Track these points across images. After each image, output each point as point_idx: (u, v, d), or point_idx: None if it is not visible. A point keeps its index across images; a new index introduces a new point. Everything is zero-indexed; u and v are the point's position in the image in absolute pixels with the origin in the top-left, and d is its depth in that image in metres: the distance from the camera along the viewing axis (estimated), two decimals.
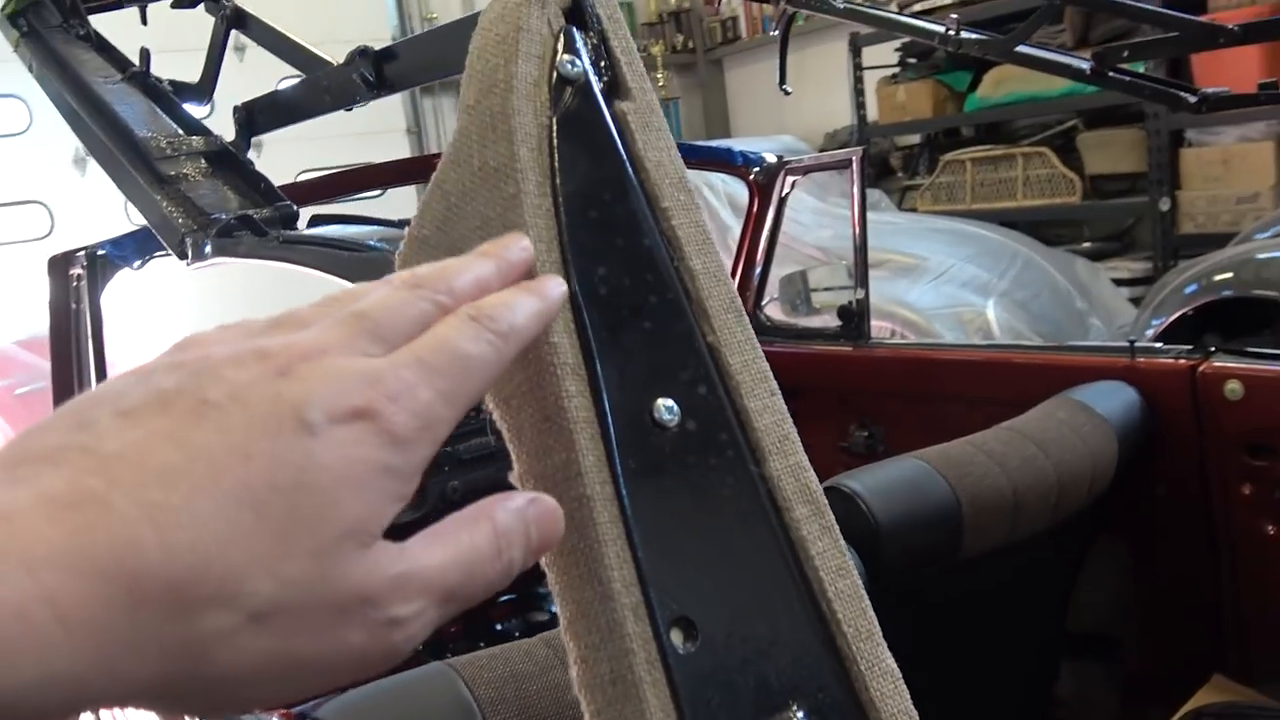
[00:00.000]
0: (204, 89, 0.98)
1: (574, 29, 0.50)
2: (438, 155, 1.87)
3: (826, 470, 0.65)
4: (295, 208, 0.83)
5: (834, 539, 0.46)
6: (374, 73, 0.77)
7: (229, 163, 0.91)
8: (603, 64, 0.50)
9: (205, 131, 0.92)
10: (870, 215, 2.48)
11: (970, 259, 4.58)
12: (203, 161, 0.90)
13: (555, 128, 0.47)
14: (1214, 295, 3.28)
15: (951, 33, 1.70)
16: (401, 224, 0.74)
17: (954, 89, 6.32)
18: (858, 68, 6.58)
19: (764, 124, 8.48)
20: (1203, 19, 1.51)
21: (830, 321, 2.27)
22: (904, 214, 6.03)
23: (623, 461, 0.44)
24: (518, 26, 0.48)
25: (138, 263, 1.48)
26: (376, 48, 0.79)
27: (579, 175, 0.47)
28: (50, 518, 0.31)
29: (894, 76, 6.58)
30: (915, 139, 6.92)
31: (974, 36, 1.71)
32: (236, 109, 0.93)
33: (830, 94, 7.05)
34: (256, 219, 0.76)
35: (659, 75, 8.54)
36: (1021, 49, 1.65)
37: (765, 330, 2.34)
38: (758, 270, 2.34)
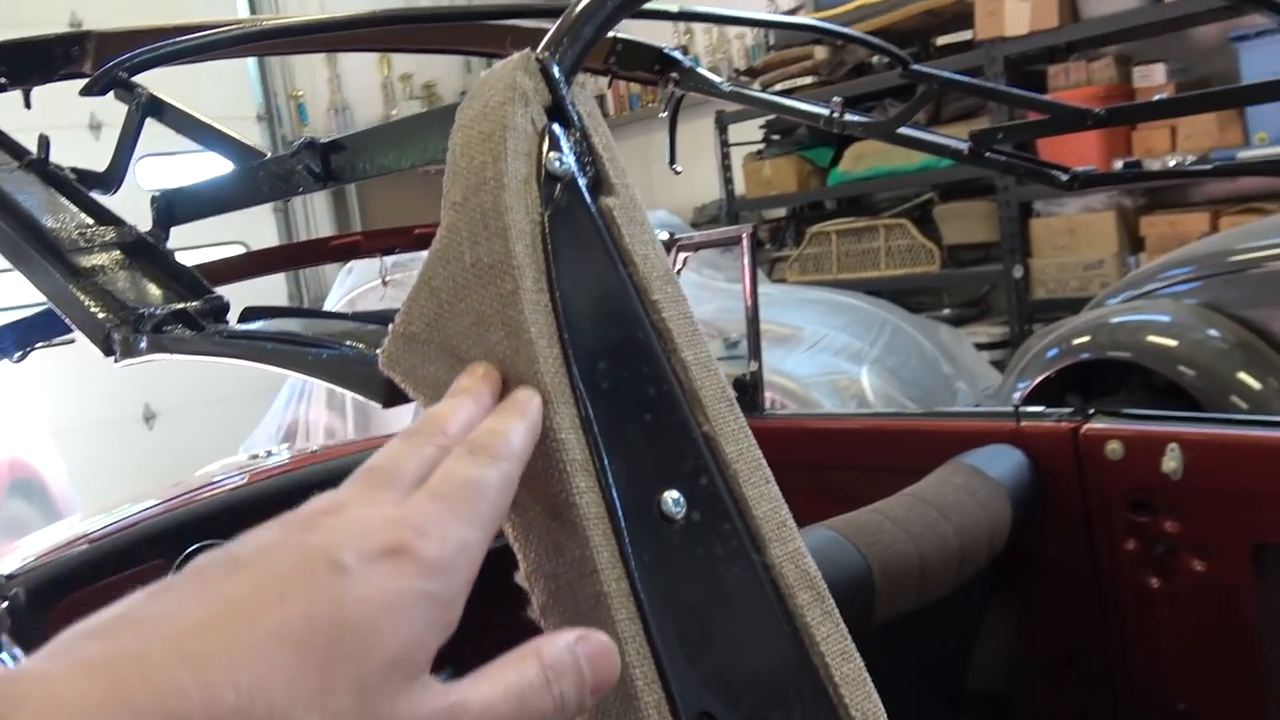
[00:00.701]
0: (111, 178, 0.94)
1: (557, 126, 0.51)
2: (334, 237, 1.82)
3: None
4: (225, 300, 0.81)
5: (836, 623, 0.47)
6: (320, 164, 0.76)
7: (147, 253, 0.88)
8: (586, 160, 0.51)
9: (118, 221, 0.89)
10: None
11: (842, 327, 4.73)
12: (118, 252, 0.87)
13: (547, 224, 0.48)
14: (1074, 358, 3.46)
15: (836, 115, 1.77)
16: (356, 317, 0.72)
17: (817, 164, 6.58)
18: (724, 144, 6.79)
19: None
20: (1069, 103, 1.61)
21: None
22: (776, 285, 6.19)
23: (636, 556, 0.44)
24: (504, 124, 0.49)
25: (18, 355, 1.41)
26: (323, 140, 0.78)
27: (573, 271, 0.47)
28: (88, 676, 0.31)
29: (759, 152, 6.81)
30: (781, 212, 7.15)
31: (857, 119, 1.79)
32: (155, 198, 0.90)
33: (698, 169, 7.24)
34: (191, 313, 0.74)
35: None
36: (903, 130, 1.74)
37: None
38: None
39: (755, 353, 2.14)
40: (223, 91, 6.99)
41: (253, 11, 8.14)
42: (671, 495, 0.45)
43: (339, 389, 0.56)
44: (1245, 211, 4.87)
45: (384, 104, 8.72)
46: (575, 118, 0.51)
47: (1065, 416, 1.82)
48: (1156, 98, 1.55)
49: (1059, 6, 5.19)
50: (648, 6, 0.59)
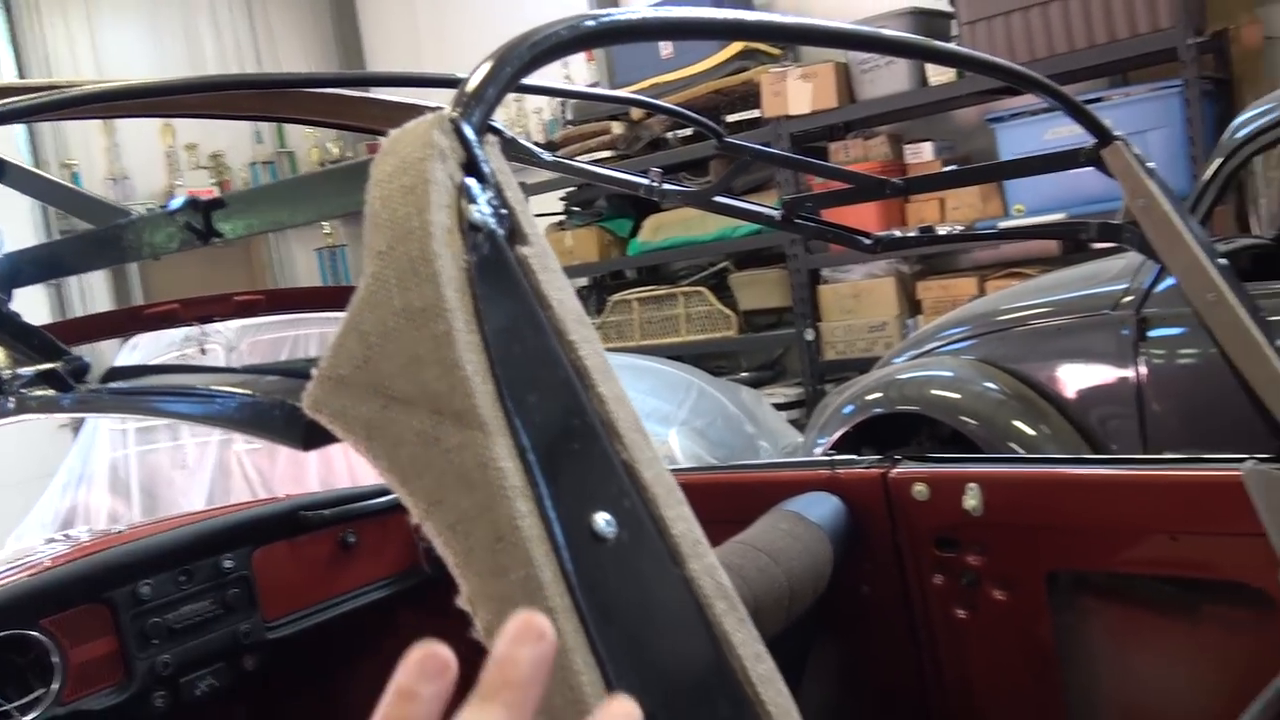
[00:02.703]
0: None
1: (472, 181, 0.54)
2: (150, 305, 1.72)
3: None
4: (86, 360, 0.79)
5: (749, 629, 0.52)
6: (203, 222, 0.75)
7: None
8: (502, 213, 0.55)
9: None
10: None
11: (650, 391, 4.85)
12: None
13: (473, 271, 0.51)
14: (868, 413, 3.68)
15: (655, 184, 1.86)
16: (225, 370, 0.72)
17: (617, 234, 6.76)
18: None
19: None
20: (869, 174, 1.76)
21: None
22: None
23: (576, 574, 0.47)
24: (426, 179, 0.52)
25: None
26: (205, 199, 0.78)
27: (500, 313, 0.51)
28: None
29: (561, 223, 6.94)
30: (584, 281, 7.28)
31: (675, 188, 1.89)
32: None
33: None
34: (61, 373, 0.72)
35: (325, 225, 8.49)
36: (718, 199, 1.84)
37: None
38: None
39: None
40: None
41: (20, 73, 7.70)
42: (603, 516, 0.49)
43: (252, 435, 0.56)
44: (1008, 276, 5.33)
45: (168, 174, 8.37)
46: (489, 174, 0.55)
47: (874, 463, 1.95)
48: (949, 169, 1.72)
49: (837, 88, 5.59)
50: (533, 83, 0.64)
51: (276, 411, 0.56)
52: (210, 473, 5.53)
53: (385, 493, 2.26)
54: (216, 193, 8.05)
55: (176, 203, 0.77)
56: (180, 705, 1.91)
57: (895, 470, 1.90)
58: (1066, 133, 5.21)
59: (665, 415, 4.72)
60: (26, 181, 1.00)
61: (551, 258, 0.55)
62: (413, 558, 2.31)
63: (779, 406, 5.88)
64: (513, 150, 1.93)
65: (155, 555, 1.90)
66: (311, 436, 0.53)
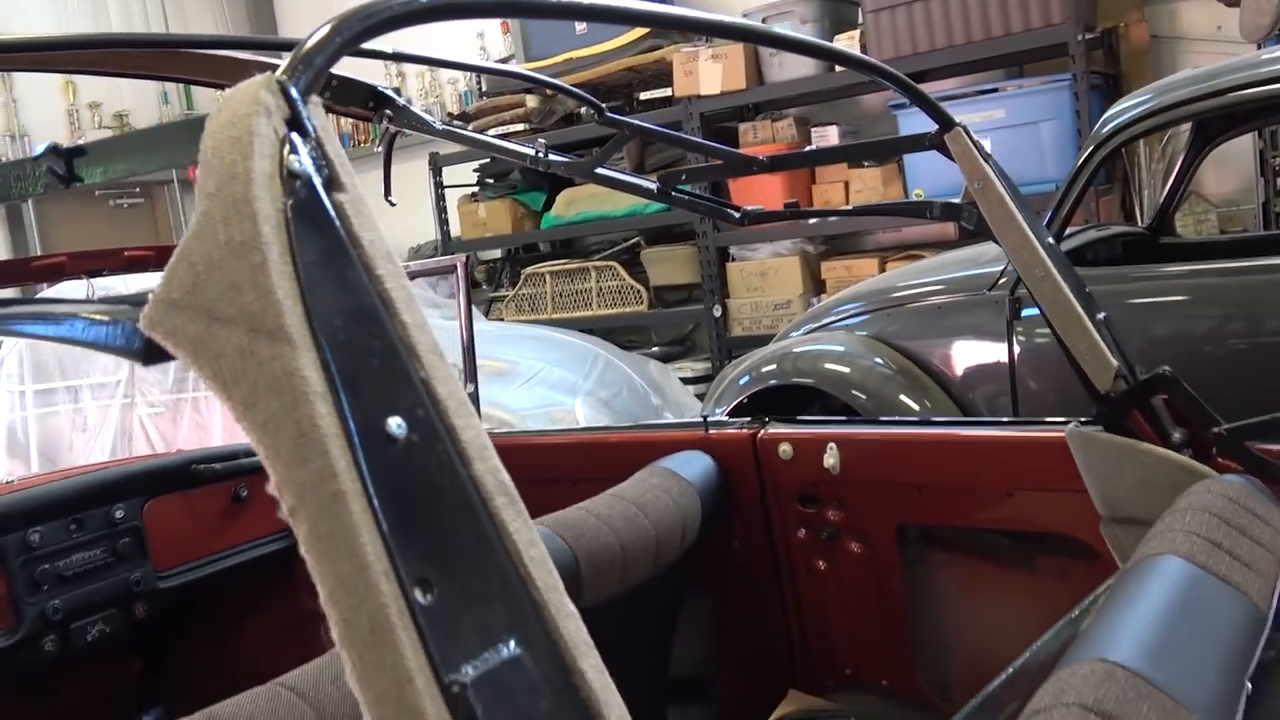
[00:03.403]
0: None
1: (295, 136, 0.63)
2: (37, 258, 1.77)
3: None
4: None
5: (525, 521, 0.61)
6: (65, 167, 0.82)
7: None
8: (321, 164, 0.63)
9: None
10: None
11: (558, 362, 4.93)
12: None
13: (289, 212, 0.60)
14: (763, 384, 3.81)
15: (541, 154, 1.94)
16: (62, 300, 0.78)
17: (530, 208, 6.81)
18: (439, 186, 6.90)
19: None
20: (739, 151, 1.86)
21: None
22: (493, 322, 6.33)
23: (368, 464, 0.56)
24: (250, 131, 0.60)
25: None
26: (66, 145, 0.84)
27: (312, 249, 0.59)
28: None
29: (474, 195, 6.96)
30: (497, 253, 7.33)
31: (560, 159, 1.97)
32: None
33: (412, 211, 7.29)
34: None
35: None
36: (601, 170, 1.93)
37: None
38: None
39: (471, 375, 2.27)
40: None
41: None
42: (395, 420, 0.58)
43: (98, 352, 0.64)
44: (907, 258, 5.52)
45: (69, 133, 8.18)
46: (311, 129, 0.63)
47: (746, 425, 2.07)
48: (808, 149, 1.82)
49: (746, 71, 5.70)
50: (368, 46, 0.72)
51: (119, 330, 0.64)
52: (112, 436, 5.48)
53: None
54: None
55: (40, 149, 0.84)
56: (71, 650, 1.96)
57: (764, 431, 2.02)
58: (964, 119, 5.42)
59: (571, 385, 4.81)
60: None
61: (364, 205, 0.64)
62: None
63: (688, 381, 6.01)
64: (403, 118, 2.00)
65: (45, 503, 1.94)
66: (149, 352, 0.61)
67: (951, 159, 1.59)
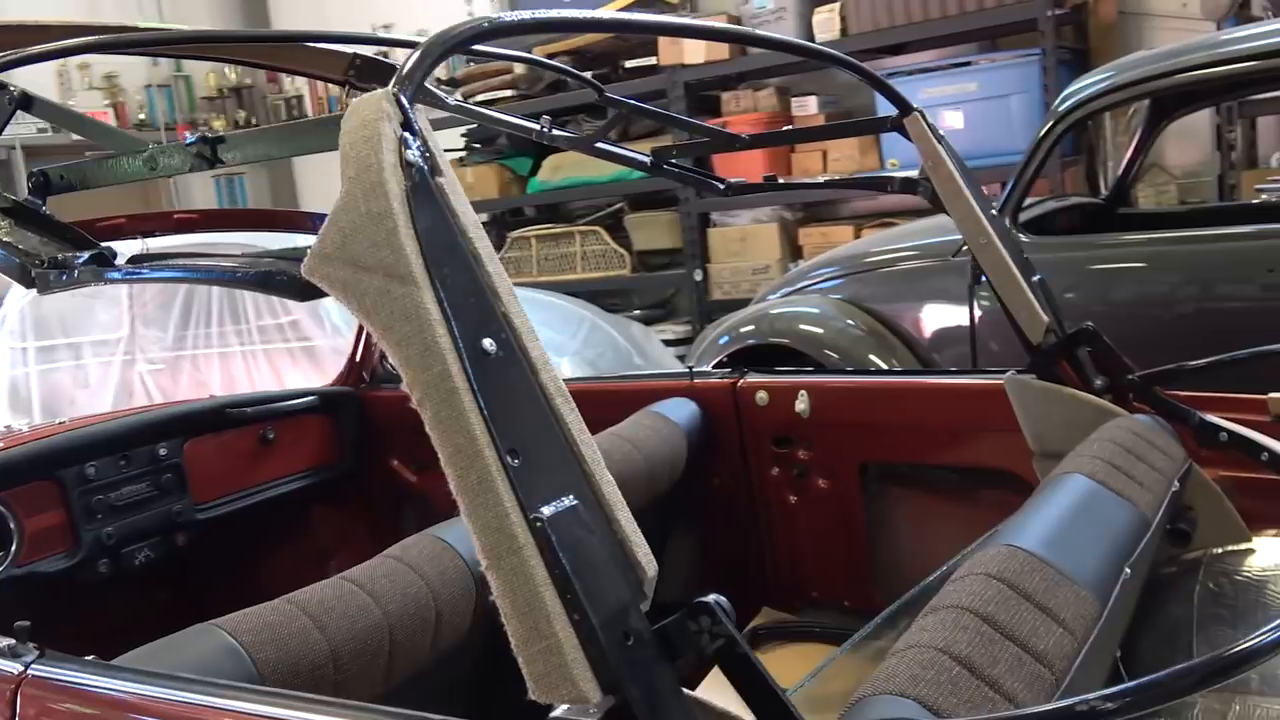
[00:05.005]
0: None
1: (408, 134, 0.86)
2: (100, 219, 1.95)
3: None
4: (113, 249, 1.07)
5: (577, 416, 0.85)
6: (210, 152, 1.04)
7: (31, 217, 1.11)
8: (426, 156, 0.86)
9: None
10: None
11: (545, 323, 5.16)
12: (4, 219, 1.11)
13: (409, 193, 0.83)
14: (741, 344, 4.06)
15: (546, 129, 2.16)
16: (218, 255, 1.01)
17: (517, 173, 7.00)
18: None
19: (332, 198, 8.65)
20: (716, 124, 2.08)
21: None
22: None
23: (472, 370, 0.80)
24: (379, 133, 0.83)
25: None
26: (210, 134, 1.06)
27: (425, 217, 0.83)
28: None
29: (461, 159, 7.14)
30: (484, 217, 7.52)
31: (562, 134, 2.19)
32: (33, 174, 1.12)
33: None
34: (107, 255, 1.00)
35: None
36: (600, 144, 2.16)
37: (391, 378, 2.67)
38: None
39: None
40: None
41: None
42: (488, 340, 0.82)
43: (261, 294, 0.86)
44: (882, 225, 5.76)
45: (59, 92, 8.28)
46: (419, 130, 0.86)
47: (726, 375, 2.32)
48: (785, 129, 2.05)
49: None
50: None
51: (282, 276, 0.87)
52: (113, 392, 5.66)
53: (301, 396, 2.55)
54: (112, 115, 8.05)
55: (191, 138, 1.05)
56: (121, 572, 2.19)
57: (743, 380, 2.27)
58: (938, 92, 5.65)
59: (559, 345, 5.03)
60: (53, 113, 1.25)
61: (457, 184, 0.87)
62: (325, 455, 2.61)
63: (669, 343, 6.24)
64: (421, 96, 2.22)
65: (99, 440, 2.17)
66: (306, 292, 0.84)
67: (910, 140, 1.83)
